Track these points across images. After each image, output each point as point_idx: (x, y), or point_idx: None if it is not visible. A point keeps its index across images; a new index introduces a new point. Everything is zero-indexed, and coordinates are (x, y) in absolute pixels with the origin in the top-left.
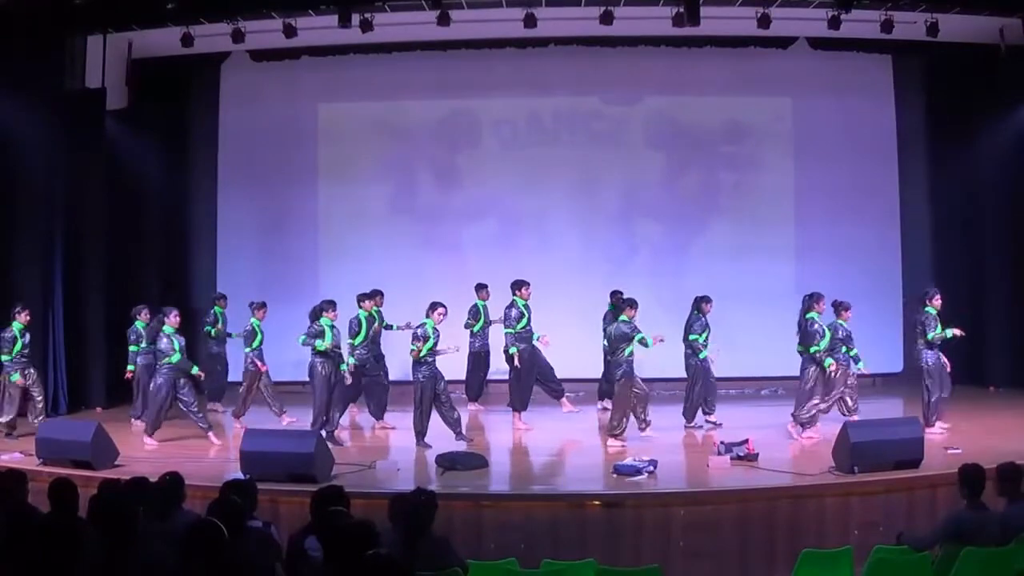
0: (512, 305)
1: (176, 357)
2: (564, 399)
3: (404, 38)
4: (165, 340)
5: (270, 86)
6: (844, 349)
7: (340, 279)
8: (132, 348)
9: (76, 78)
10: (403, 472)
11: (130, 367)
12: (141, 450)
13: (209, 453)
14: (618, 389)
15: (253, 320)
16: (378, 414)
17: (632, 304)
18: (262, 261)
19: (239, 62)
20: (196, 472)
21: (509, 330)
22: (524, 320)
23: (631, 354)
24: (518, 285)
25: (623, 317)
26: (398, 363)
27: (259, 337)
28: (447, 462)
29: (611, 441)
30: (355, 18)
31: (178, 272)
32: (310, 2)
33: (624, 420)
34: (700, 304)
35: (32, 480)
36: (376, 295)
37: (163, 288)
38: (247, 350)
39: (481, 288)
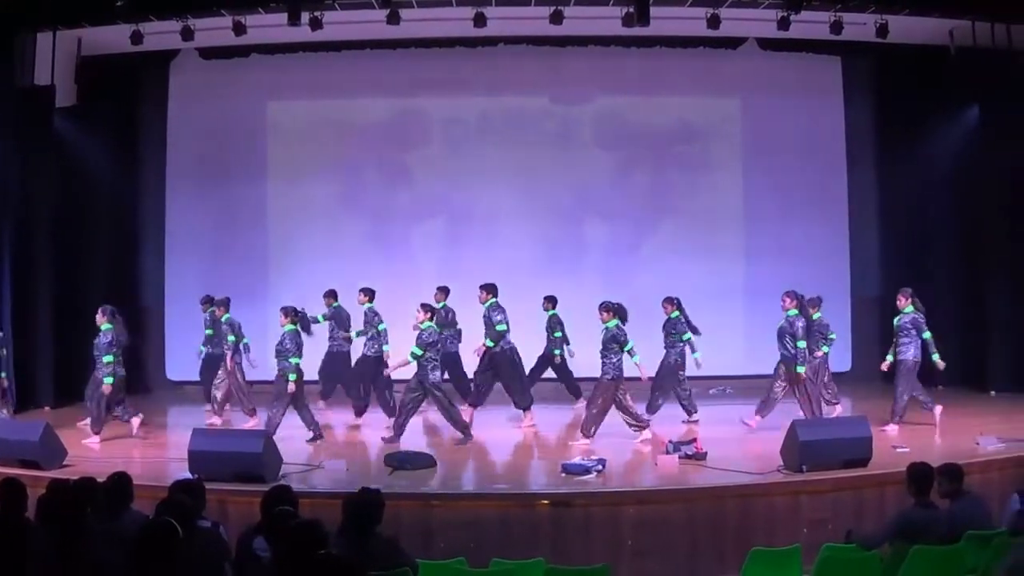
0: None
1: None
2: None
3: (354, 36)
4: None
5: (219, 84)
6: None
7: (290, 277)
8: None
9: (25, 75)
10: (351, 472)
11: None
12: (88, 449)
13: (160, 453)
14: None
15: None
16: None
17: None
18: (211, 259)
19: (188, 60)
20: (143, 472)
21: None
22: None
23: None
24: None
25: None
26: None
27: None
28: (395, 461)
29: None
30: (304, 16)
31: (127, 270)
32: (259, 0)
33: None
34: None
35: None
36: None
37: (111, 286)
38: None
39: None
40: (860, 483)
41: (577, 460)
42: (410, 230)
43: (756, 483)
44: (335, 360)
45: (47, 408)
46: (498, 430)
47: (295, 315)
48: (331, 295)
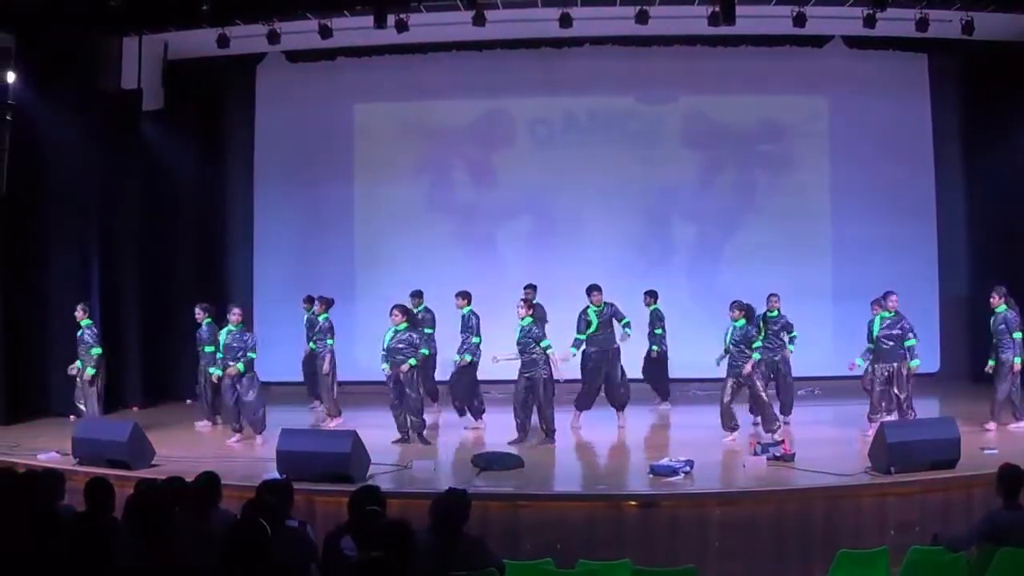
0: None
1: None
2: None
3: (439, 38)
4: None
5: (306, 87)
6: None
7: (376, 278)
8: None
9: (112, 79)
10: (439, 472)
11: None
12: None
13: (250, 452)
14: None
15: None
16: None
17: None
18: (298, 261)
19: (275, 63)
20: (232, 472)
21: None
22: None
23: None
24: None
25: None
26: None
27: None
28: (483, 462)
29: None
30: (390, 19)
31: (214, 271)
32: (345, 3)
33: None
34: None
35: (69, 480)
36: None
37: (199, 287)
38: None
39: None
40: (948, 485)
41: (665, 461)
42: (496, 230)
43: (844, 484)
44: None
45: (135, 408)
46: (584, 431)
47: (406, 313)
48: (417, 295)
